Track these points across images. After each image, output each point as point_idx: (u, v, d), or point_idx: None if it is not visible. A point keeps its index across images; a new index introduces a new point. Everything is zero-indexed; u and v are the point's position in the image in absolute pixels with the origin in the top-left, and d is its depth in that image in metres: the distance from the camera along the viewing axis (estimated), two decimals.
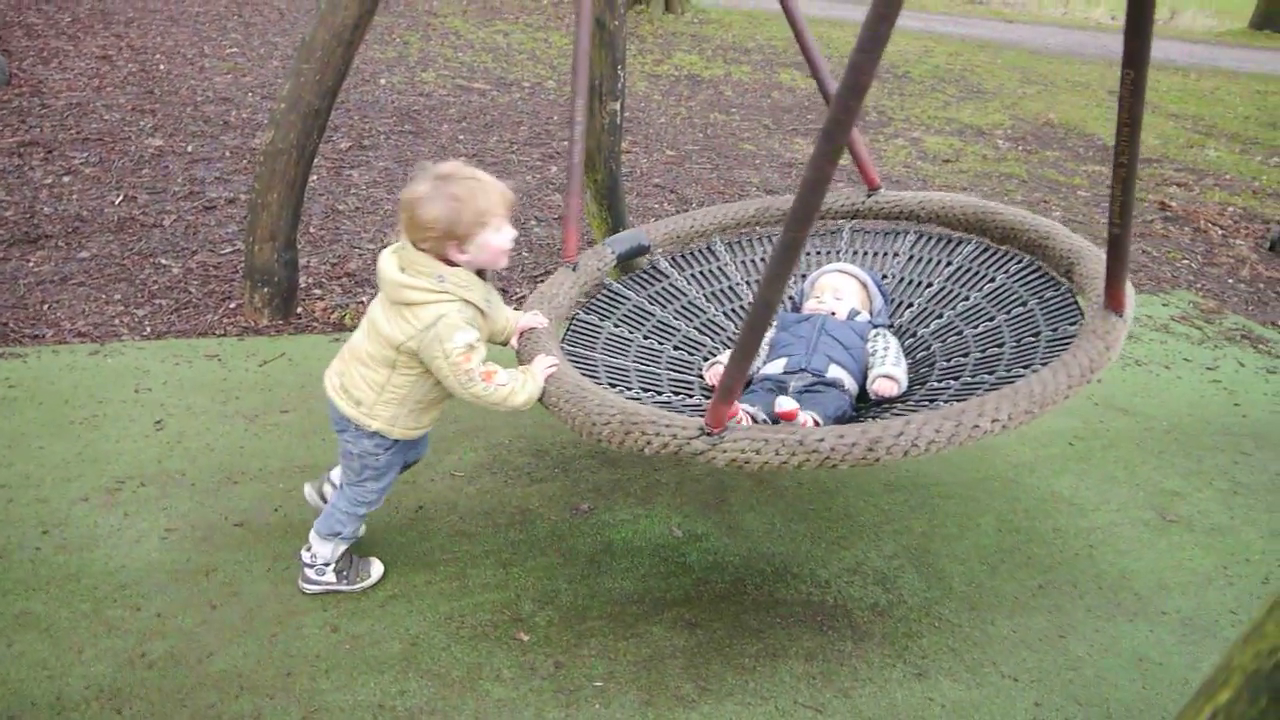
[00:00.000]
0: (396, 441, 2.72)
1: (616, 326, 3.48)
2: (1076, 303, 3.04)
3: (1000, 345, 3.09)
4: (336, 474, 2.96)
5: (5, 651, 2.52)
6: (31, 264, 4.91)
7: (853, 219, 3.98)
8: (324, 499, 3.00)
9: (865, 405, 3.13)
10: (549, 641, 2.71)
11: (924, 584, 3.07)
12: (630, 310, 3.60)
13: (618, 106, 4.69)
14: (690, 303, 3.74)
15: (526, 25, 13.45)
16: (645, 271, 3.81)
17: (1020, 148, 9.17)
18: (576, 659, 2.66)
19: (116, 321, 4.44)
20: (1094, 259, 3.05)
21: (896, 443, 2.27)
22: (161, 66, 9.01)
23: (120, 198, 5.84)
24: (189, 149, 6.85)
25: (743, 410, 2.77)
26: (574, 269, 3.41)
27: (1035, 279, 3.32)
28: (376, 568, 2.91)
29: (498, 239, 2.55)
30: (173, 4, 12.01)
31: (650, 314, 3.63)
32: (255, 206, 4.34)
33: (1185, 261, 6.54)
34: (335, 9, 4.04)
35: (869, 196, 3.92)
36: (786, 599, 2.96)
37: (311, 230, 5.61)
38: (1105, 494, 3.64)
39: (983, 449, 3.88)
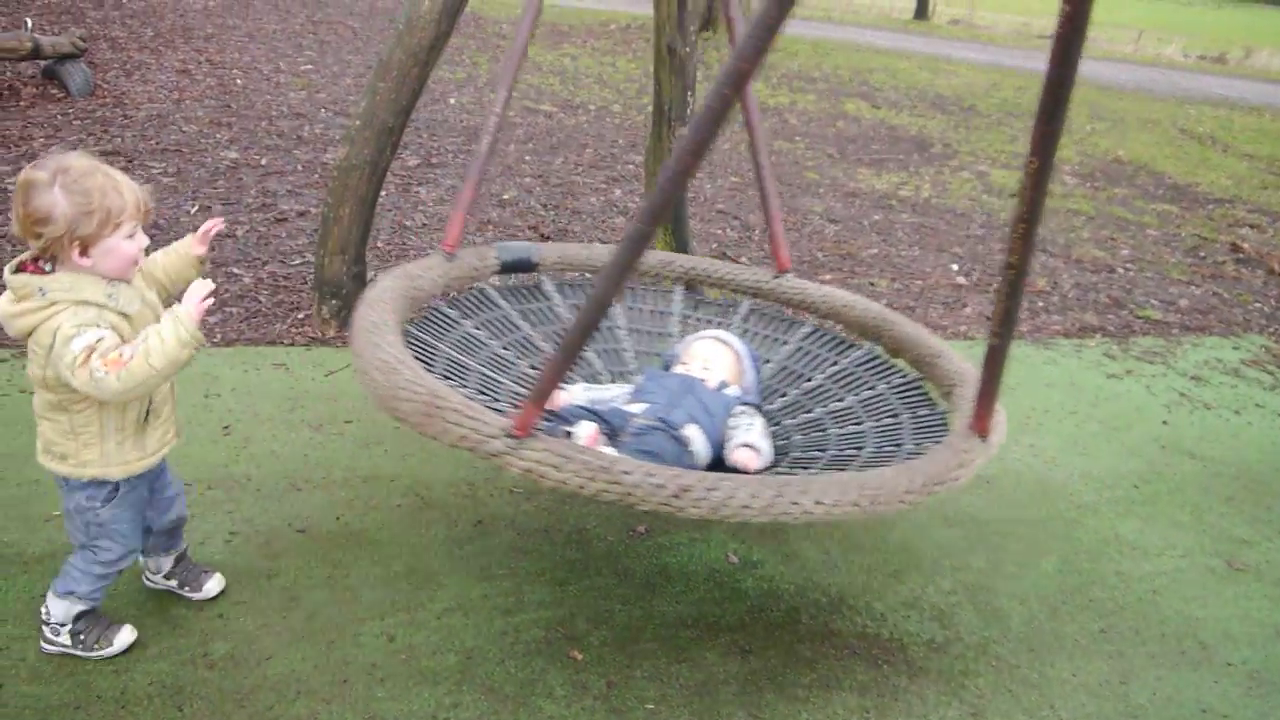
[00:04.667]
0: (117, 488, 2.42)
1: (477, 329, 3.40)
2: (947, 425, 2.91)
3: (859, 449, 2.99)
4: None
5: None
6: None
7: (754, 297, 3.90)
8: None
9: None
10: (602, 661, 2.72)
11: (982, 622, 3.03)
12: (498, 318, 3.54)
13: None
14: (564, 329, 3.64)
15: (594, 50, 13.60)
16: (526, 288, 3.76)
17: (1088, 184, 9.06)
18: (629, 680, 2.65)
19: None
20: (974, 385, 2.93)
21: (706, 496, 2.13)
22: (239, 81, 9.25)
23: (196, 208, 5.99)
24: (263, 162, 7.01)
25: (582, 427, 2.75)
26: (450, 259, 3.37)
27: (914, 396, 3.22)
28: (124, 636, 2.57)
29: (129, 245, 2.23)
30: (251, 21, 12.32)
31: (517, 328, 3.57)
32: (327, 220, 4.43)
33: (1257, 305, 6.41)
34: (412, 29, 4.12)
35: (775, 278, 3.82)
36: (841, 630, 2.94)
37: (379, 245, 5.70)
38: (1170, 539, 3.56)
39: (1045, 489, 3.82)
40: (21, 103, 7.66)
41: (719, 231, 6.76)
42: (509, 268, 3.63)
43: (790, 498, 2.17)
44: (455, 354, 3.16)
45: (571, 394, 3.23)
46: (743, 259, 6.17)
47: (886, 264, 6.51)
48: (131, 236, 2.24)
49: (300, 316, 4.75)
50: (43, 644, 2.56)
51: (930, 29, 23.90)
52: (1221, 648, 3.02)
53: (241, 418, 3.79)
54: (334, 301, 4.55)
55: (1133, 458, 4.14)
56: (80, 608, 2.53)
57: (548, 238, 6.21)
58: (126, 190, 2.21)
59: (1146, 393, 4.88)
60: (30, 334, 2.20)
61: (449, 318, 3.36)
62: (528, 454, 2.17)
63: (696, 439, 2.98)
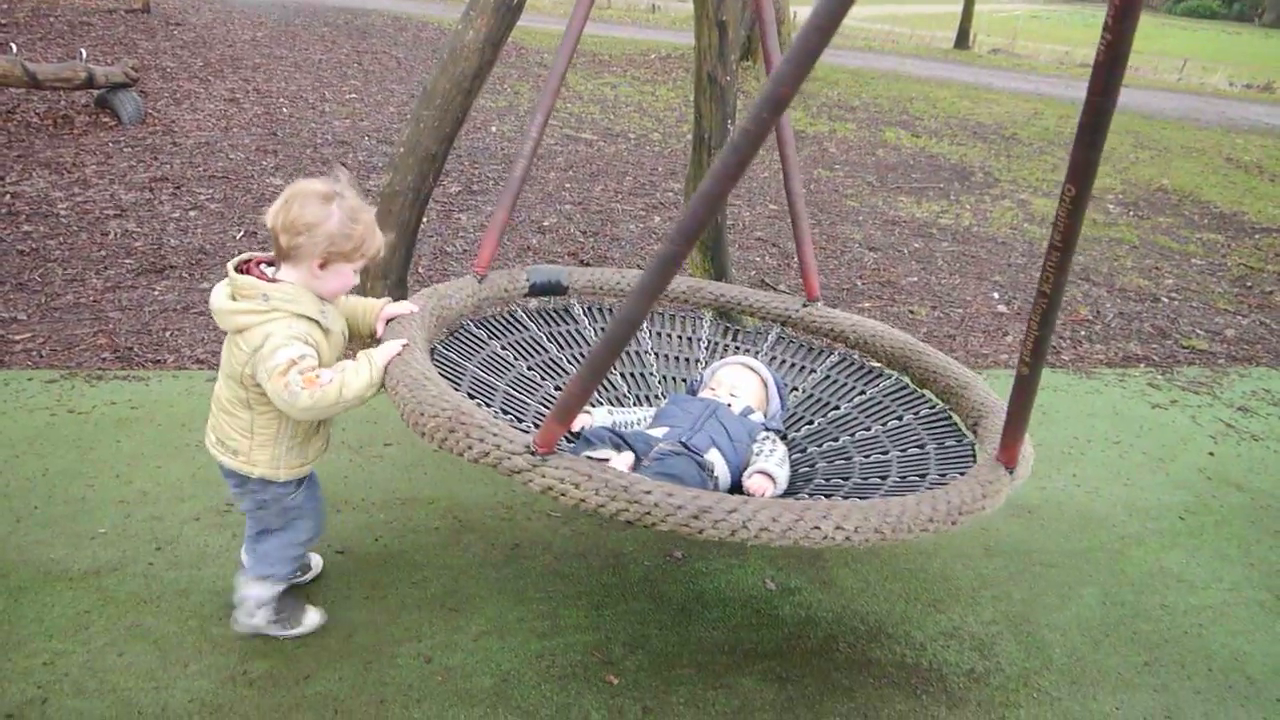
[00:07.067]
0: (303, 479, 2.66)
1: (504, 349, 3.41)
2: (974, 456, 2.87)
3: (883, 477, 2.93)
4: None
5: (116, 661, 2.61)
6: (157, 292, 5.14)
7: (783, 325, 3.87)
8: None
9: None
10: (638, 686, 2.71)
11: (1023, 653, 2.99)
12: (525, 340, 3.55)
13: None
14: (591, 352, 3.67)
15: (634, 79, 13.71)
16: (555, 311, 3.77)
17: (1132, 213, 8.97)
18: (665, 705, 2.64)
19: None
20: (1001, 416, 2.82)
21: (726, 519, 2.10)
22: (285, 110, 9.42)
23: (241, 233, 6.10)
24: None
25: (611, 456, 2.78)
26: (480, 280, 3.40)
27: (941, 426, 3.16)
28: (313, 617, 2.81)
29: (351, 277, 2.49)
30: (298, 51, 12.56)
31: (544, 349, 3.58)
32: None
33: None
34: (457, 59, 4.19)
35: (804, 307, 3.79)
36: (879, 659, 2.91)
37: (420, 270, 5.77)
38: (1217, 572, 3.50)
39: (1087, 519, 3.77)
40: (75, 130, 7.85)
41: (758, 259, 6.77)
42: (539, 290, 3.65)
43: (811, 522, 2.12)
44: (482, 374, 3.18)
45: (595, 417, 3.24)
46: (781, 286, 6.17)
47: (926, 292, 6.48)
48: (355, 273, 2.49)
49: None
50: (235, 625, 2.75)
51: (971, 58, 23.85)
52: (1271, 683, 2.95)
53: None
54: None
55: (1178, 489, 4.08)
56: (279, 587, 2.73)
57: (587, 263, 6.24)
58: (376, 234, 2.47)
59: (1192, 423, 4.81)
60: (242, 332, 2.38)
61: (477, 338, 3.38)
62: (549, 471, 2.17)
63: (719, 464, 2.94)
